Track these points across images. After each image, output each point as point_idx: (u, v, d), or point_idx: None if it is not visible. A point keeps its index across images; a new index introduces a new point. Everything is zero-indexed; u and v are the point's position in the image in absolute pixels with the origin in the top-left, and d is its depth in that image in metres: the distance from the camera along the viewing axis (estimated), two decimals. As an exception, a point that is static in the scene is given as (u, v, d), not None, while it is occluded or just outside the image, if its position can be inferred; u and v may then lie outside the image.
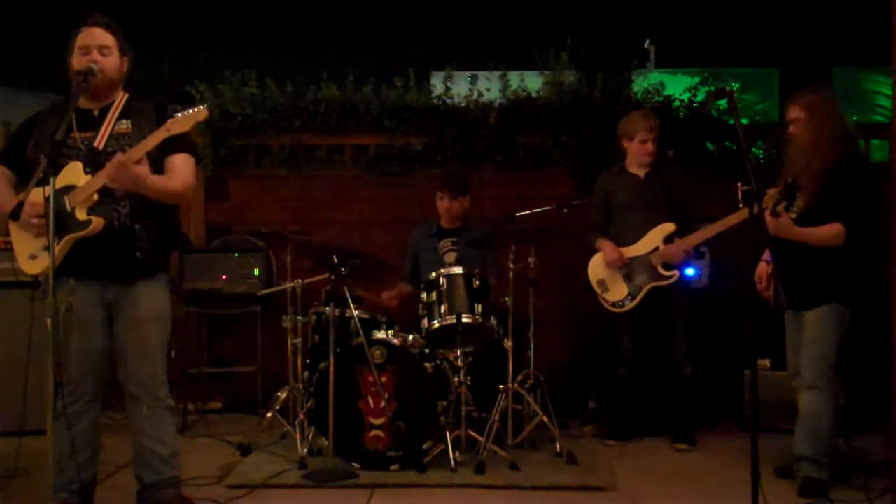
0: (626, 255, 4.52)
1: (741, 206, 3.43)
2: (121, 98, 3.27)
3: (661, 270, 4.47)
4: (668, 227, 4.48)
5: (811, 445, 3.71)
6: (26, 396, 3.99)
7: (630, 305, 4.52)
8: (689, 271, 4.95)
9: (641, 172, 4.62)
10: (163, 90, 5.45)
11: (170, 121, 3.06)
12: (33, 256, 3.14)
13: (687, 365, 4.53)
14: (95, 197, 3.08)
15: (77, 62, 3.16)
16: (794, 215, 3.57)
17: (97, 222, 3.07)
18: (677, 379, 4.55)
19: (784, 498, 3.56)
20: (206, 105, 3.08)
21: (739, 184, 3.39)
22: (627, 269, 4.52)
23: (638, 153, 4.58)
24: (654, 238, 4.49)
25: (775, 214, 3.55)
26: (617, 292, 4.56)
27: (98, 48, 3.18)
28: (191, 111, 3.06)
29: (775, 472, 3.91)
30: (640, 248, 4.52)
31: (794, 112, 3.78)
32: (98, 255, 3.11)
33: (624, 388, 4.66)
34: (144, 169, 3.07)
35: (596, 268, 4.64)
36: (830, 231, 3.67)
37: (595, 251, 4.65)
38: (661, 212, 4.51)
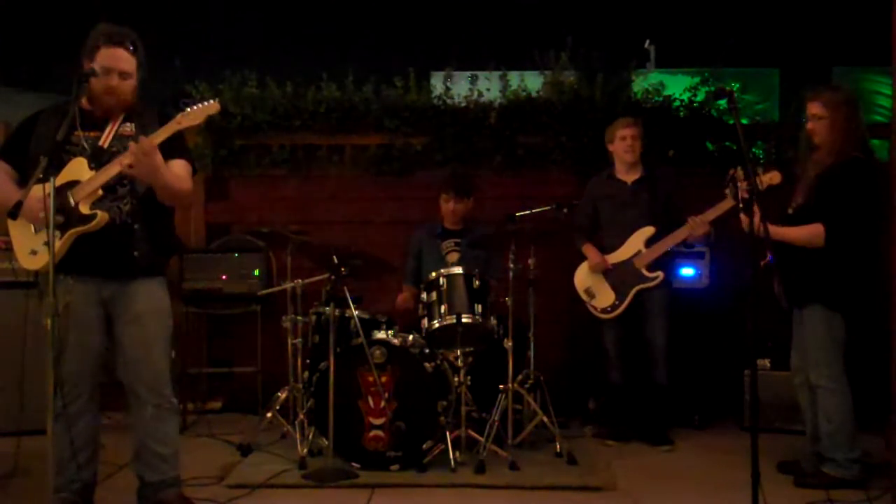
0: (610, 261, 4.58)
1: (726, 191, 3.50)
2: None
3: (645, 273, 4.52)
4: (648, 231, 4.55)
5: (815, 442, 3.79)
6: (24, 396, 3.99)
7: (618, 311, 4.56)
8: (689, 271, 4.98)
9: (629, 178, 4.65)
10: (163, 90, 5.44)
11: (181, 114, 3.04)
12: (34, 252, 3.12)
13: (663, 367, 4.53)
14: (99, 192, 3.08)
15: (96, 82, 3.09)
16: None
17: (102, 216, 3.06)
18: (650, 382, 4.56)
19: (784, 498, 3.56)
20: (217, 99, 3.05)
21: (731, 170, 3.43)
22: (612, 274, 4.57)
23: (620, 152, 4.63)
24: (636, 242, 4.56)
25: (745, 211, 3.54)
26: (604, 299, 4.60)
27: (119, 73, 3.13)
28: (202, 105, 3.03)
29: (778, 468, 3.94)
30: (622, 253, 4.59)
31: (815, 108, 3.76)
32: (97, 251, 3.10)
33: (619, 390, 4.67)
34: (161, 159, 3.06)
35: (582, 276, 4.70)
36: (808, 231, 3.68)
37: (582, 256, 4.70)
38: (646, 219, 4.57)
